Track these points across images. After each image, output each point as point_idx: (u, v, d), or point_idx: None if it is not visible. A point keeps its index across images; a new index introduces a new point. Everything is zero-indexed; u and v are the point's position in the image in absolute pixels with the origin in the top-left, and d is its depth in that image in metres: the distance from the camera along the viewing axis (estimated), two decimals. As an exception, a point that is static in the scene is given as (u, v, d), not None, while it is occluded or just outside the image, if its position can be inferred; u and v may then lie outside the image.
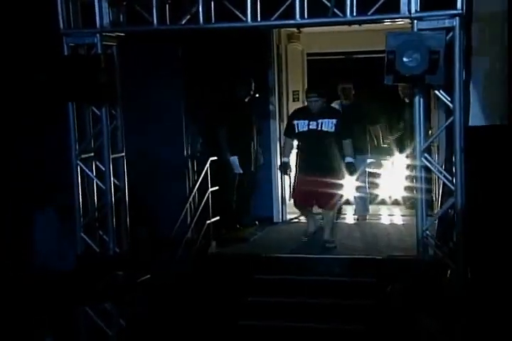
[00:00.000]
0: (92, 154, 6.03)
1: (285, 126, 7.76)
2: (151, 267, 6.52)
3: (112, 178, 5.94)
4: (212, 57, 8.07)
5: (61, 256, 6.90)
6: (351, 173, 7.31)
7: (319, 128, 7.15)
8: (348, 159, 7.21)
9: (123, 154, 6.10)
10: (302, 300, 6.52)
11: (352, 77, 9.32)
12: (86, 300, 5.89)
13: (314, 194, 7.27)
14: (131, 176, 6.34)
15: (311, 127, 7.17)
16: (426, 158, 5.50)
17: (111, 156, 5.92)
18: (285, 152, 7.58)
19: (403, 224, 8.37)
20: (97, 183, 5.99)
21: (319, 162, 7.15)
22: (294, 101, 9.14)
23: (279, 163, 8.07)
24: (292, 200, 7.85)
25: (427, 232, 5.51)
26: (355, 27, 7.48)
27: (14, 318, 6.62)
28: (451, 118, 5.36)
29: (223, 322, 6.55)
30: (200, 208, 7.47)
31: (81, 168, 5.94)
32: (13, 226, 7.49)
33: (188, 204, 7.33)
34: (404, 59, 4.94)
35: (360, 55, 10.09)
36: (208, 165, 7.65)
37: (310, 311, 6.35)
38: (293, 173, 7.60)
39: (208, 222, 7.62)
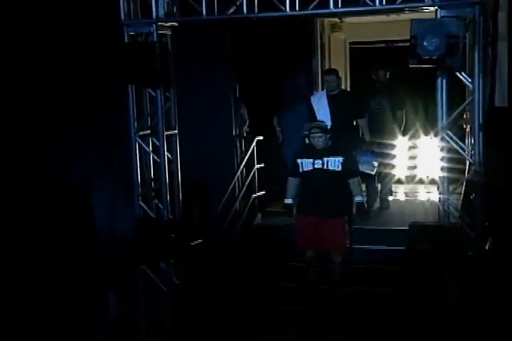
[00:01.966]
0: (149, 131, 6.73)
1: (289, 165, 7.08)
2: (203, 234, 7.26)
3: (165, 153, 6.63)
4: (260, 46, 8.74)
5: (119, 224, 7.65)
6: (361, 213, 6.98)
7: (325, 167, 6.65)
8: (358, 198, 6.78)
9: (176, 131, 6.78)
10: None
11: (391, 64, 9.78)
12: (145, 260, 6.62)
13: (322, 237, 6.70)
14: (185, 152, 7.07)
15: (316, 166, 6.67)
16: (448, 135, 6.05)
17: (165, 133, 6.62)
18: (288, 193, 6.93)
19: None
20: (152, 157, 6.71)
21: (326, 203, 6.61)
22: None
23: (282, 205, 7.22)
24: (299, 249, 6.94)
25: (449, 202, 6.07)
26: (394, 17, 8.07)
27: (81, 279, 7.49)
28: (471, 98, 5.91)
29: (266, 284, 7.27)
30: (247, 183, 8.23)
31: (139, 143, 6.66)
32: (73, 198, 8.33)
33: (235, 179, 8.03)
34: (425, 43, 5.48)
35: (399, 44, 10.54)
36: (254, 144, 8.35)
37: (349, 275, 6.94)
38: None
39: (254, 195, 8.37)
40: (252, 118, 8.83)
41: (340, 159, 6.63)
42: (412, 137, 8.73)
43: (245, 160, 8.24)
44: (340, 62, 10.05)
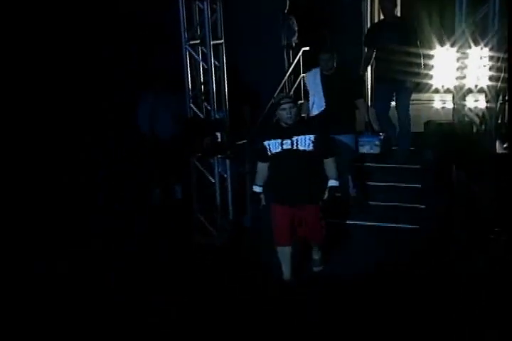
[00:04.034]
0: (198, 41, 7.48)
1: (256, 149, 6.41)
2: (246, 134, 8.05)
3: (212, 60, 7.42)
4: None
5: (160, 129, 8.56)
6: (331, 201, 6.12)
7: (295, 148, 5.97)
8: (332, 182, 6.05)
9: (222, 41, 7.51)
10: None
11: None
12: (196, 154, 7.59)
13: (298, 227, 6.24)
14: (238, 59, 7.82)
15: (285, 147, 5.99)
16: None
17: (211, 42, 7.37)
18: (257, 179, 6.28)
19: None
20: (202, 64, 7.52)
21: (300, 189, 6.01)
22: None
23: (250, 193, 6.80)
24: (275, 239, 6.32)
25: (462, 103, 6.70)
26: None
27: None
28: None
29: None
30: (293, 89, 8.98)
31: (189, 51, 7.46)
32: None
33: (281, 86, 8.78)
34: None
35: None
36: (300, 53, 9.04)
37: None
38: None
39: (300, 101, 9.12)
40: (301, 29, 9.48)
41: (311, 137, 5.94)
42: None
43: (291, 68, 8.95)
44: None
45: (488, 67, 6.51)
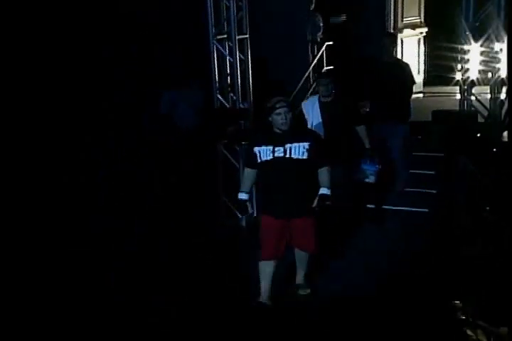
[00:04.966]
0: (225, 36, 8.03)
1: (245, 154, 6.15)
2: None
3: (238, 53, 7.99)
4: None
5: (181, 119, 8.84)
6: (322, 207, 5.73)
7: (288, 156, 5.54)
8: (323, 190, 5.62)
9: (247, 36, 8.05)
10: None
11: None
12: (222, 141, 8.14)
13: (291, 238, 5.83)
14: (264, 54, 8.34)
15: (277, 154, 5.56)
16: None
17: (237, 37, 7.92)
18: (243, 185, 5.89)
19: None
20: (228, 58, 8.06)
21: (293, 200, 5.64)
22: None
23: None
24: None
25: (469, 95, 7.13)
26: None
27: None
28: None
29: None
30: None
31: (216, 46, 8.02)
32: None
33: (304, 78, 9.31)
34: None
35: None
36: (323, 48, 9.56)
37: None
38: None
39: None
40: (326, 25, 9.99)
41: (306, 145, 5.53)
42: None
43: (315, 61, 9.48)
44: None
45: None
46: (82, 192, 8.19)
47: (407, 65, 7.97)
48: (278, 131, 5.62)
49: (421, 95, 10.62)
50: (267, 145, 5.60)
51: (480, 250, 6.27)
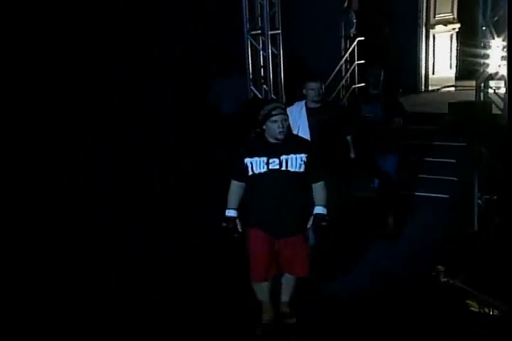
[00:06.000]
0: (259, 31, 8.56)
1: (233, 165, 5.28)
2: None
3: (270, 48, 8.52)
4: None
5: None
6: (318, 227, 5.18)
7: (284, 168, 5.02)
8: (319, 209, 5.11)
9: (279, 31, 8.56)
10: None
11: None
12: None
13: (282, 260, 5.30)
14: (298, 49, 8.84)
15: (271, 167, 5.02)
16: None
17: (270, 32, 8.46)
18: (231, 201, 5.21)
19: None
20: (261, 52, 8.60)
21: (285, 216, 5.12)
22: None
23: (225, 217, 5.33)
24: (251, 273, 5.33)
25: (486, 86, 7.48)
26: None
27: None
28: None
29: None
30: (348, 74, 9.97)
31: (250, 40, 8.58)
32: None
33: (335, 71, 9.76)
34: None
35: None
36: (355, 43, 10.02)
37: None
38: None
39: (354, 86, 10.13)
40: (359, 21, 10.43)
41: (303, 157, 5.03)
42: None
43: (346, 55, 9.95)
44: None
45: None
46: (82, 192, 8.10)
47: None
48: (272, 140, 5.08)
49: (453, 89, 10.99)
50: (260, 156, 5.04)
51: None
